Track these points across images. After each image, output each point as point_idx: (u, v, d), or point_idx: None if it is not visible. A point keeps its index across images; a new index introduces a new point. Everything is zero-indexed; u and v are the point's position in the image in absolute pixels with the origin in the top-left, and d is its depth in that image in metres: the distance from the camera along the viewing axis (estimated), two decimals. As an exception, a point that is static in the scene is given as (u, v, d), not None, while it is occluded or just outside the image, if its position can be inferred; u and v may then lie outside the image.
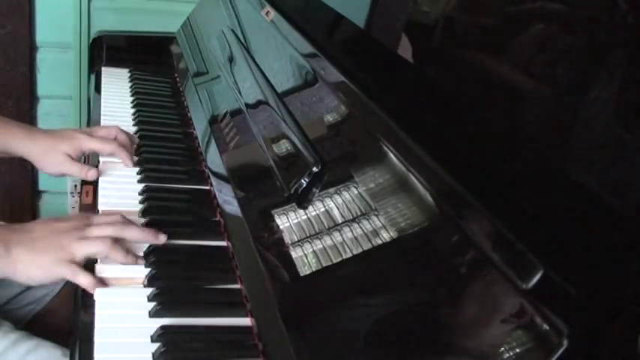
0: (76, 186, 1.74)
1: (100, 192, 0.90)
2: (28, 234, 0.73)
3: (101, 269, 0.73)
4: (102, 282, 0.72)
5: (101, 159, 0.99)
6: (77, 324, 0.67)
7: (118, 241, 0.75)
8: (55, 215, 0.79)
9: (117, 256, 0.74)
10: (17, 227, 0.75)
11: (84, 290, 0.71)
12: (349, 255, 0.59)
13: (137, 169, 0.96)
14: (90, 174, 0.94)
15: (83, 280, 0.71)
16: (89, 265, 0.73)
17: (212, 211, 0.88)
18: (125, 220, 0.78)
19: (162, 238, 0.78)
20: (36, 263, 0.71)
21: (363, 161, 0.65)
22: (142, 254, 0.76)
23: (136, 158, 1.00)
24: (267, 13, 1.04)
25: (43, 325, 0.97)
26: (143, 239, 0.77)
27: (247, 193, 0.81)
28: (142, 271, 0.73)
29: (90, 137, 0.98)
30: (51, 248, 0.72)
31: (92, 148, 0.97)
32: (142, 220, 0.83)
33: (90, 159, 1.07)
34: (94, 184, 0.94)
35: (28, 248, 0.72)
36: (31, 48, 1.62)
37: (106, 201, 0.88)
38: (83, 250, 0.73)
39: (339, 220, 0.63)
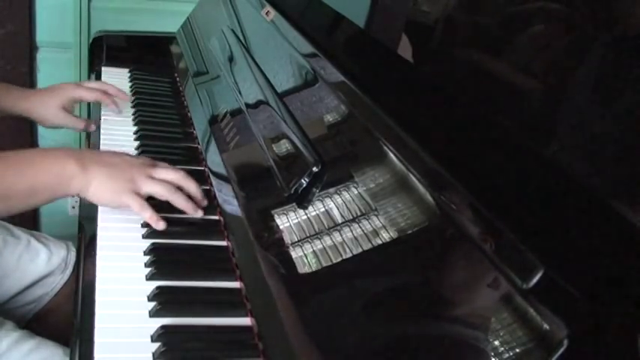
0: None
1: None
2: (102, 159, 0.80)
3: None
4: (161, 220, 0.78)
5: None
6: (77, 324, 0.67)
7: (179, 190, 0.81)
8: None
9: (179, 201, 0.80)
10: (91, 151, 0.83)
11: (84, 290, 0.71)
12: (349, 255, 0.59)
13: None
14: (91, 127, 1.05)
15: (147, 213, 0.78)
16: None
17: (212, 210, 0.88)
18: (187, 175, 0.84)
19: (205, 202, 0.84)
20: (107, 187, 0.77)
21: (363, 161, 0.65)
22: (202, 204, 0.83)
23: (127, 105, 1.09)
24: (267, 13, 1.04)
25: (44, 324, 0.97)
26: (197, 195, 0.83)
27: (247, 193, 0.81)
28: (142, 280, 0.74)
29: (77, 86, 1.08)
30: (122, 177, 0.78)
31: (81, 95, 1.07)
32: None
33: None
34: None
35: (102, 171, 0.78)
36: (31, 48, 1.62)
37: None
38: (150, 187, 0.79)
39: (339, 220, 0.63)
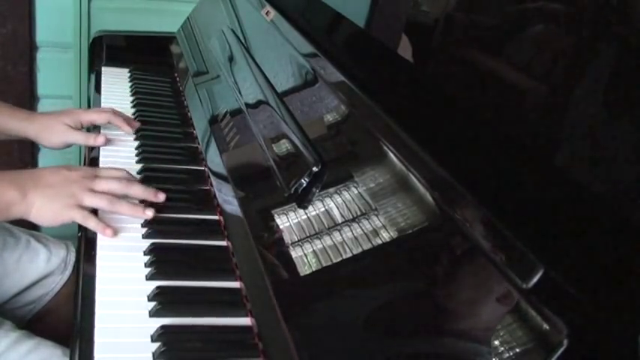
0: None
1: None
2: (41, 180, 0.80)
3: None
4: (109, 226, 0.78)
5: (102, 158, 0.99)
6: (77, 324, 0.67)
7: (122, 197, 0.81)
8: (64, 165, 0.85)
9: (122, 210, 0.80)
10: (31, 173, 0.82)
11: (84, 290, 0.71)
12: (349, 255, 0.59)
13: (138, 168, 0.96)
14: (99, 140, 1.00)
15: (92, 223, 0.78)
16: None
17: (212, 210, 0.88)
18: (129, 176, 0.85)
19: (161, 197, 0.84)
20: (49, 207, 0.78)
21: (363, 161, 0.65)
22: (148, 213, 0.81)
23: (136, 125, 1.08)
24: (267, 13, 1.04)
25: (44, 325, 0.97)
26: (145, 196, 0.83)
27: (247, 193, 0.81)
28: (143, 282, 0.73)
29: (87, 110, 1.08)
30: (62, 195, 0.78)
31: (90, 118, 1.05)
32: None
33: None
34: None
35: (42, 194, 0.78)
36: (31, 48, 1.62)
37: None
38: (90, 201, 0.79)
39: (339, 220, 0.63)
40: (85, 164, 1.07)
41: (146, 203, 0.83)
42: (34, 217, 0.78)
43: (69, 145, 1.03)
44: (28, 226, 0.99)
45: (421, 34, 0.72)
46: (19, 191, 0.77)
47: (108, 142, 1.01)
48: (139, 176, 0.94)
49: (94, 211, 0.81)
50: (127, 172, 0.86)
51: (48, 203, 0.78)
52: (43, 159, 1.74)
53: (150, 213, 0.81)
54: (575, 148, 0.49)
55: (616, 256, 0.42)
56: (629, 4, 0.47)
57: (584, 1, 0.51)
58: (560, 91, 0.52)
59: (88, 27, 1.63)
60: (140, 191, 0.83)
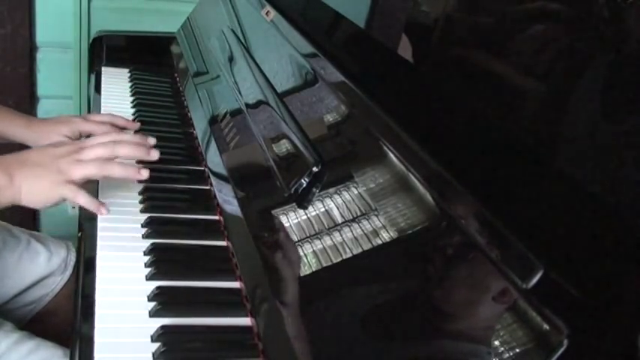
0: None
1: (100, 192, 0.90)
2: (27, 161, 0.77)
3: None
4: (102, 204, 0.76)
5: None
6: (77, 324, 0.67)
7: (111, 160, 0.79)
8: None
9: (114, 171, 0.78)
10: (16, 155, 0.79)
11: (84, 290, 0.71)
12: (349, 255, 0.59)
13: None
14: None
15: (82, 199, 0.75)
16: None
17: (212, 210, 0.88)
18: (116, 137, 0.82)
19: (154, 154, 0.82)
20: (38, 187, 0.75)
21: (363, 161, 0.65)
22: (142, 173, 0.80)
23: (136, 126, 1.07)
24: (267, 13, 1.04)
25: (44, 325, 0.97)
26: (136, 155, 0.81)
27: (247, 193, 0.81)
28: (142, 282, 0.73)
29: (86, 120, 1.05)
30: (50, 172, 0.76)
31: (88, 130, 1.04)
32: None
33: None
34: (94, 184, 0.94)
35: (29, 175, 0.75)
36: (31, 48, 1.62)
37: (105, 200, 0.87)
38: (80, 171, 0.76)
39: (339, 220, 0.63)
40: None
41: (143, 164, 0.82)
42: (25, 200, 0.76)
43: None
44: (28, 226, 0.99)
45: (421, 34, 0.72)
46: (5, 175, 0.74)
47: None
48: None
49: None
50: (113, 129, 0.85)
51: (36, 183, 0.75)
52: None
53: (145, 173, 0.80)
54: (576, 148, 0.49)
55: (616, 257, 0.42)
56: (628, 4, 0.47)
57: (584, 1, 0.51)
58: (560, 90, 0.52)
59: (88, 27, 1.63)
60: (130, 150, 0.80)
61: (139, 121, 1.13)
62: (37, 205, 0.77)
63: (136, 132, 0.92)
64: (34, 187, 0.75)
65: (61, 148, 0.79)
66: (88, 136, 1.07)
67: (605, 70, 0.48)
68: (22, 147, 0.96)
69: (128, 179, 0.80)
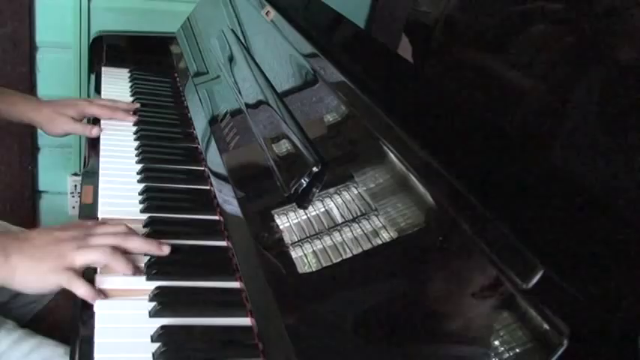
0: (76, 186, 1.75)
1: (100, 192, 0.90)
2: (27, 242, 0.73)
3: (101, 281, 0.71)
4: (101, 292, 0.70)
5: (102, 158, 0.99)
6: (77, 324, 0.67)
7: (118, 251, 0.73)
8: (56, 224, 0.78)
9: (117, 266, 0.72)
10: (17, 235, 0.75)
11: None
12: (349, 255, 0.59)
13: (138, 168, 0.96)
14: (94, 131, 1.06)
15: (81, 289, 0.68)
16: (89, 276, 0.72)
17: (212, 210, 0.88)
18: (128, 231, 0.76)
19: (165, 250, 0.76)
20: (34, 271, 0.70)
21: (363, 161, 0.65)
22: (142, 265, 0.74)
23: (134, 118, 1.12)
24: (267, 13, 1.04)
25: (45, 323, 0.97)
26: (146, 250, 0.75)
27: (247, 193, 0.81)
28: (143, 283, 0.72)
29: (91, 103, 1.12)
30: (50, 256, 0.71)
31: (93, 112, 1.10)
32: (144, 230, 0.80)
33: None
34: (94, 184, 0.94)
35: (27, 256, 0.71)
36: (31, 48, 1.62)
37: (105, 200, 0.88)
38: (82, 258, 0.71)
39: (339, 220, 0.63)
40: (85, 164, 1.07)
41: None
42: (18, 283, 0.70)
43: (69, 134, 1.11)
44: (28, 226, 0.99)
45: (421, 34, 0.72)
46: (1, 253, 0.70)
47: (101, 131, 1.07)
48: (138, 176, 0.94)
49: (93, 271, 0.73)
50: (126, 226, 0.77)
51: (33, 267, 0.70)
52: (43, 159, 1.74)
53: (166, 249, 0.75)
54: (576, 148, 0.49)
55: (616, 257, 0.42)
56: (629, 5, 0.47)
57: (583, 1, 0.51)
58: (561, 90, 0.52)
59: (88, 27, 1.63)
60: (140, 244, 0.75)
61: (139, 121, 1.13)
62: (30, 290, 0.72)
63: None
64: (30, 270, 0.70)
65: (67, 233, 0.74)
66: (95, 120, 1.09)
67: (605, 71, 0.48)
68: (21, 146, 0.96)
69: (127, 274, 0.73)
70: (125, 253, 0.74)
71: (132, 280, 0.73)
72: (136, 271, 0.73)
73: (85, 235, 0.74)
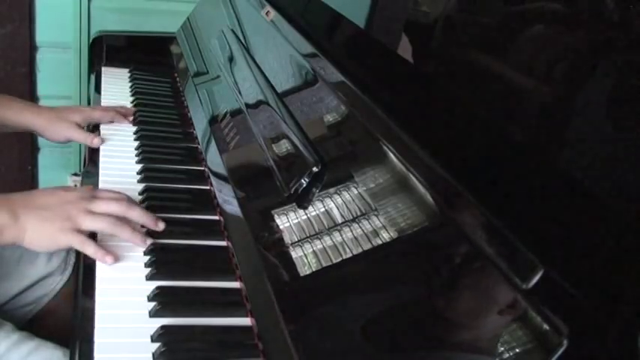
0: (76, 186, 1.75)
1: (100, 192, 0.90)
2: (35, 202, 0.75)
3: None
4: (109, 253, 0.73)
5: (102, 158, 0.99)
6: (77, 324, 0.67)
7: (123, 220, 0.76)
8: (61, 186, 0.82)
9: (123, 234, 0.76)
10: (24, 195, 0.77)
11: (84, 290, 0.71)
12: (349, 255, 0.59)
13: (138, 168, 0.96)
14: (95, 141, 1.04)
15: (90, 249, 0.73)
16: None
17: (212, 210, 0.88)
18: (130, 200, 0.80)
19: (160, 226, 0.79)
20: (43, 231, 0.73)
21: (363, 161, 0.65)
22: (147, 238, 0.78)
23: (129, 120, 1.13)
24: (267, 13, 1.04)
25: (44, 326, 0.97)
26: (144, 221, 0.79)
27: (247, 193, 0.81)
28: (143, 282, 0.73)
29: (93, 109, 1.12)
30: (58, 217, 0.73)
31: (97, 117, 1.10)
32: (147, 243, 0.80)
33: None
34: (94, 184, 0.94)
35: (35, 216, 0.73)
36: (31, 48, 1.62)
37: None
38: (89, 223, 0.74)
39: (339, 220, 0.63)
40: (85, 163, 1.08)
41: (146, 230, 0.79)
42: (28, 242, 0.73)
43: (70, 141, 1.09)
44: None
45: (421, 34, 0.72)
46: (10, 214, 0.72)
47: (103, 142, 1.05)
48: (138, 176, 0.94)
49: (93, 235, 0.76)
50: (127, 196, 0.81)
51: (42, 227, 0.73)
52: (43, 159, 1.73)
53: (149, 241, 0.77)
54: (575, 148, 0.49)
55: (616, 257, 0.42)
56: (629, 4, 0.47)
57: (584, 1, 0.51)
58: (561, 91, 0.52)
59: (88, 27, 1.63)
60: (140, 215, 0.79)
61: (139, 121, 1.13)
62: (41, 248, 0.76)
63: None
64: (40, 230, 0.73)
65: (72, 193, 0.77)
66: (94, 128, 1.09)
67: (605, 71, 0.48)
68: (21, 145, 0.96)
69: (133, 243, 0.77)
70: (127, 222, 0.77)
71: (132, 279, 0.73)
72: (144, 239, 0.77)
73: (90, 196, 0.77)
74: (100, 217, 0.75)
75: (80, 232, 0.74)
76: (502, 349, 0.42)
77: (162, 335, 0.64)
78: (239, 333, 0.67)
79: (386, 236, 0.56)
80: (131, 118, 1.13)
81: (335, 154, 0.70)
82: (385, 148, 0.61)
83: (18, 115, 1.05)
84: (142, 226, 0.80)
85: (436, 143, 0.58)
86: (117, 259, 0.74)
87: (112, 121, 1.11)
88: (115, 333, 0.65)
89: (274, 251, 0.69)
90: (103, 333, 0.64)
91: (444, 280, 0.49)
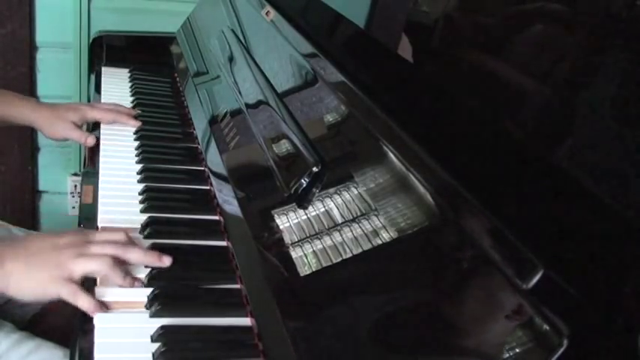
0: (76, 186, 1.75)
1: (100, 192, 0.90)
2: (24, 248, 0.71)
3: (102, 292, 0.69)
4: (102, 305, 0.68)
5: (102, 158, 0.99)
6: (77, 324, 0.67)
7: (118, 261, 0.71)
8: (56, 226, 0.79)
9: (115, 278, 0.70)
10: (14, 242, 0.74)
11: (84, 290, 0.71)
12: (349, 255, 0.59)
13: (138, 168, 0.96)
14: (89, 140, 1.05)
15: (83, 301, 0.67)
16: (88, 285, 0.70)
17: (212, 210, 0.88)
18: (128, 240, 0.75)
19: (166, 261, 0.73)
20: (30, 278, 0.68)
21: (363, 161, 0.65)
22: (141, 276, 0.72)
23: (138, 123, 1.10)
24: (267, 13, 1.04)
25: (44, 326, 0.97)
26: (146, 262, 0.73)
27: (247, 193, 0.81)
28: (143, 294, 0.70)
29: (93, 107, 1.10)
30: (47, 264, 0.69)
31: (95, 116, 1.09)
32: (147, 243, 0.78)
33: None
34: (94, 184, 0.94)
35: (23, 262, 0.69)
36: (31, 48, 1.62)
37: (105, 200, 0.88)
38: (81, 267, 0.69)
39: (339, 220, 0.63)
40: (85, 163, 1.08)
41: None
42: (13, 290, 0.68)
43: (67, 139, 1.10)
44: (27, 225, 0.99)
45: (421, 34, 0.72)
46: None
47: (96, 141, 1.05)
48: (138, 176, 0.94)
49: (93, 279, 0.71)
50: (126, 234, 0.75)
51: (29, 275, 0.68)
52: (43, 159, 1.74)
53: (167, 261, 0.72)
54: (575, 149, 0.49)
55: (616, 257, 0.42)
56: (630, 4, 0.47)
57: (584, 1, 0.51)
58: (561, 91, 0.52)
59: (88, 27, 1.63)
60: (140, 256, 0.73)
61: (139, 121, 1.13)
62: (27, 298, 0.70)
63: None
64: (27, 278, 0.68)
65: (64, 239, 0.72)
66: (95, 126, 1.09)
67: (606, 71, 0.48)
68: (21, 146, 0.96)
69: (124, 286, 0.71)
70: (124, 264, 0.72)
71: (133, 291, 0.71)
72: (134, 282, 0.71)
73: (83, 242, 0.72)
74: (93, 258, 0.70)
75: (72, 281, 0.69)
76: (502, 349, 0.42)
77: (162, 335, 0.64)
78: (239, 333, 0.67)
79: (386, 236, 0.56)
80: (135, 123, 1.11)
81: (335, 154, 0.70)
82: (385, 148, 0.61)
83: (17, 111, 1.06)
84: None
85: (436, 143, 0.58)
86: (109, 308, 0.68)
87: (113, 122, 1.11)
88: (115, 333, 0.65)
89: (274, 251, 0.69)
90: (103, 333, 0.64)
91: (444, 280, 0.49)
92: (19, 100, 1.09)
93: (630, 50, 0.45)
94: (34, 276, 0.69)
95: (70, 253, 0.70)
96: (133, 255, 0.73)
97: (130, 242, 0.75)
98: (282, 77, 0.89)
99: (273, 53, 0.96)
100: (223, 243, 0.81)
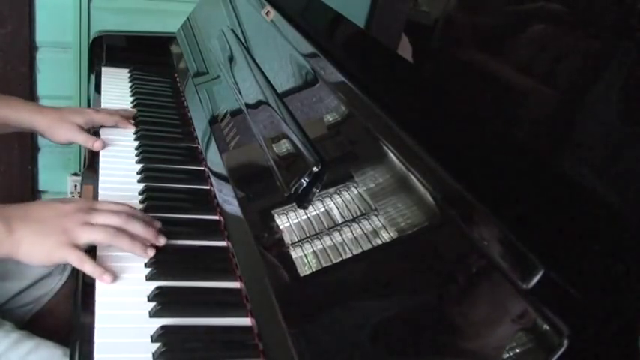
0: (76, 186, 1.75)
1: (100, 192, 0.90)
2: (31, 214, 0.73)
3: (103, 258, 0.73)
4: (107, 272, 0.71)
5: (102, 158, 0.99)
6: (77, 324, 0.67)
7: (121, 230, 0.74)
8: (57, 199, 0.80)
9: (123, 244, 0.73)
10: (20, 207, 0.75)
11: (84, 290, 0.71)
12: (349, 255, 0.59)
13: (138, 168, 0.96)
14: (96, 144, 1.03)
15: (89, 267, 0.71)
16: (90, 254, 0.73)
17: (212, 210, 0.88)
18: (131, 211, 0.78)
19: (161, 240, 0.77)
20: (39, 244, 0.71)
21: (363, 161, 0.65)
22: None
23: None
24: (267, 13, 1.04)
25: (44, 325, 0.97)
26: (146, 235, 0.76)
27: (247, 193, 0.81)
28: (143, 283, 0.72)
29: (97, 111, 1.10)
30: (55, 231, 0.72)
31: (99, 120, 1.08)
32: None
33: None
34: (94, 184, 0.94)
35: (31, 229, 0.72)
36: (31, 48, 1.62)
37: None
38: (88, 236, 0.73)
39: (339, 220, 0.63)
40: (85, 165, 1.07)
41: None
42: (23, 255, 0.72)
43: (72, 143, 1.07)
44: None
45: (421, 34, 0.72)
46: (5, 227, 0.71)
47: (105, 146, 1.03)
48: (138, 176, 0.94)
49: (92, 249, 0.74)
50: (129, 206, 0.79)
51: (38, 241, 0.71)
52: (43, 159, 1.74)
53: (151, 252, 0.75)
54: (575, 150, 0.49)
55: (616, 257, 0.42)
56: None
57: (584, 1, 0.51)
58: (561, 91, 0.52)
59: (88, 27, 1.64)
60: (141, 228, 0.76)
61: (139, 121, 1.13)
62: (35, 263, 0.74)
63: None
64: (36, 244, 0.71)
65: (69, 206, 0.75)
66: (96, 132, 1.09)
67: (607, 71, 0.48)
68: (22, 146, 0.95)
69: (133, 253, 0.75)
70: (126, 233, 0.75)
71: (131, 279, 0.73)
72: (145, 249, 0.75)
73: (88, 209, 0.75)
74: (98, 228, 0.73)
75: (77, 247, 0.72)
76: (502, 348, 0.42)
77: (162, 335, 0.64)
78: (239, 333, 0.67)
79: (386, 236, 0.56)
80: (132, 127, 1.11)
81: (335, 154, 0.70)
82: (385, 148, 0.61)
83: (20, 116, 1.05)
84: None
85: (436, 143, 0.58)
86: (115, 277, 0.72)
87: (115, 126, 1.09)
88: (115, 333, 0.65)
89: (274, 251, 0.69)
90: (103, 333, 0.64)
91: (444, 280, 0.49)
92: (22, 104, 1.07)
93: (630, 50, 0.45)
94: (42, 242, 0.71)
95: (76, 220, 0.73)
96: (134, 227, 0.76)
97: (133, 214, 0.78)
98: (282, 77, 0.89)
99: (273, 53, 0.96)
100: (223, 243, 0.81)
